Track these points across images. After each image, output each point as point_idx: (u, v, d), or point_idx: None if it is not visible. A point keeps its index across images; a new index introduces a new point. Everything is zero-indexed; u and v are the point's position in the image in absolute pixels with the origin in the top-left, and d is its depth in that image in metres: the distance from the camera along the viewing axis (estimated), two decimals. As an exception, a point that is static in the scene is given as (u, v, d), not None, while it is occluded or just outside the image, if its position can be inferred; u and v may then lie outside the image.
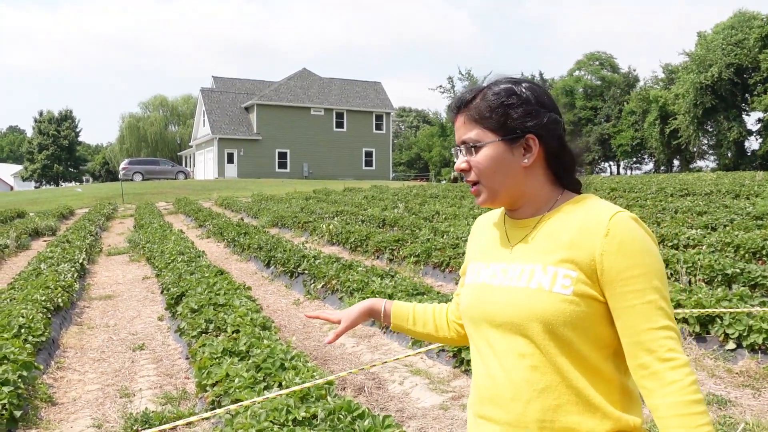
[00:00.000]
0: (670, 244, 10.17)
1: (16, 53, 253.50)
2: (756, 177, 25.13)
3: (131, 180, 42.06)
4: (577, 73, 59.14)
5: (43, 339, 5.97)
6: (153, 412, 4.46)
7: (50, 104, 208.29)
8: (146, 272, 11.25)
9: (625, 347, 1.32)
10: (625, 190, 21.11)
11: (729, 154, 45.74)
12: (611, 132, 53.91)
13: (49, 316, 6.85)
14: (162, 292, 8.96)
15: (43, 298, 7.18)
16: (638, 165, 57.66)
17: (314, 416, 3.43)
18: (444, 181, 53.24)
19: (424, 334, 1.74)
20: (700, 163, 51.36)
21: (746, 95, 45.08)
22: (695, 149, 48.71)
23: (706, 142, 48.69)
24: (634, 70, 57.47)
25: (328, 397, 3.79)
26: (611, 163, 57.90)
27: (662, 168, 53.44)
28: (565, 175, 1.46)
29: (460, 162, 1.45)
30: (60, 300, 7.59)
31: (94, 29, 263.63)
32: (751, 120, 47.04)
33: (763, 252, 9.10)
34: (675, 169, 51.73)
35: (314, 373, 4.28)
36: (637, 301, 1.29)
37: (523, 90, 1.41)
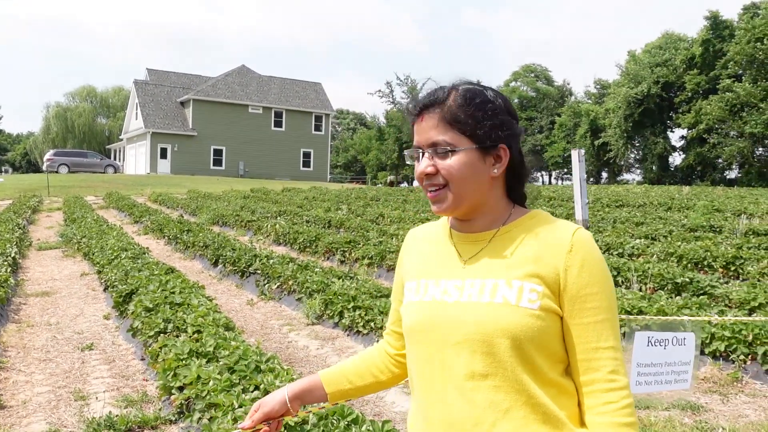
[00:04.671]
0: (616, 252, 10.47)
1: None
2: (683, 191, 26.38)
3: (56, 172, 40.18)
4: (513, 83, 60.55)
5: (-16, 337, 5.56)
6: (117, 416, 4.20)
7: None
8: (84, 268, 10.71)
9: (572, 363, 1.32)
10: (563, 199, 21.69)
11: (654, 168, 47.83)
12: (544, 143, 55.42)
13: (-13, 312, 6.40)
14: (105, 290, 8.54)
15: (-20, 293, 6.70)
16: (568, 176, 59.51)
17: (305, 421, 3.29)
18: (380, 185, 53.43)
19: (369, 386, 1.60)
20: (626, 176, 53.45)
21: (671, 113, 47.31)
22: (622, 162, 50.68)
23: (632, 156, 50.73)
24: (568, 84, 59.22)
25: (314, 401, 3.65)
26: (543, 173, 59.53)
27: (591, 180, 55.25)
28: (517, 188, 1.43)
29: (426, 165, 1.34)
30: (-3, 296, 7.11)
31: (13, 8, 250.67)
32: (675, 136, 49.40)
33: (705, 263, 9.50)
34: (603, 180, 53.62)
35: (293, 377, 4.13)
36: (592, 319, 1.29)
37: (495, 97, 1.37)
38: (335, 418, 3.31)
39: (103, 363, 5.72)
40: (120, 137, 54.18)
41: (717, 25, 42.91)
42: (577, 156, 2.48)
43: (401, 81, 60.76)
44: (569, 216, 16.24)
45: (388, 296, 6.85)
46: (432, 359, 1.33)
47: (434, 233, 1.49)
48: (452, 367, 1.30)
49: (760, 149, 42.01)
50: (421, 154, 1.37)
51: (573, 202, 17.51)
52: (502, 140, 1.36)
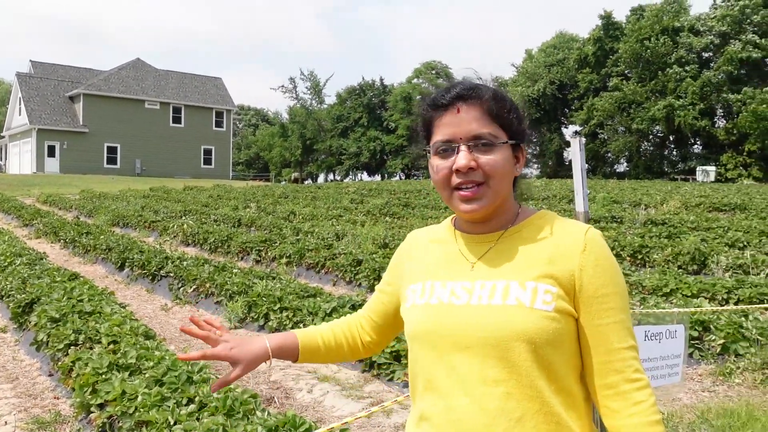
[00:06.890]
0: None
1: None
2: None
3: (-71, 172, 36.88)
4: (415, 80, 61.26)
5: None
6: (29, 441, 3.77)
7: None
8: (-30, 277, 9.76)
9: (592, 366, 1.28)
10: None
11: (550, 163, 49.90)
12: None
13: None
14: (0, 299, 7.80)
15: None
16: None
17: (253, 435, 3.05)
18: (285, 182, 52.69)
19: (335, 357, 1.58)
20: (525, 171, 55.39)
21: (566, 110, 49.52)
22: (521, 158, 52.56)
23: (530, 151, 52.70)
24: (467, 81, 60.54)
25: (257, 412, 3.41)
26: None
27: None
28: (517, 188, 1.42)
29: (468, 159, 1.28)
30: None
31: None
32: (569, 132, 51.80)
33: (614, 252, 9.89)
34: (503, 175, 55.40)
35: (231, 385, 3.85)
36: (611, 320, 1.27)
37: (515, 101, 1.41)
38: (286, 429, 3.09)
39: (5, 381, 5.18)
40: (1, 134, 50.45)
41: (609, 26, 45.23)
42: (578, 144, 2.38)
43: (305, 76, 60.09)
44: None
45: (315, 296, 6.63)
46: (439, 365, 1.28)
47: (438, 234, 1.46)
48: (462, 372, 1.25)
49: (645, 144, 44.83)
50: (457, 148, 1.29)
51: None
52: (524, 139, 1.37)
